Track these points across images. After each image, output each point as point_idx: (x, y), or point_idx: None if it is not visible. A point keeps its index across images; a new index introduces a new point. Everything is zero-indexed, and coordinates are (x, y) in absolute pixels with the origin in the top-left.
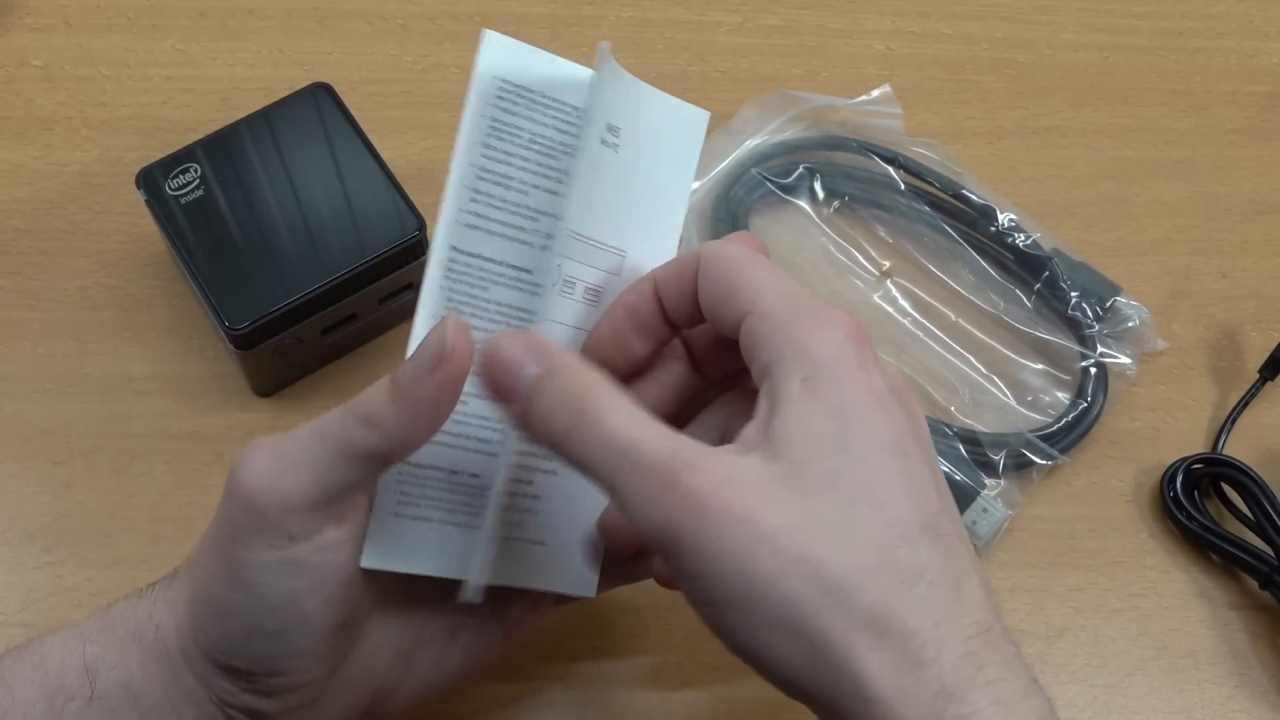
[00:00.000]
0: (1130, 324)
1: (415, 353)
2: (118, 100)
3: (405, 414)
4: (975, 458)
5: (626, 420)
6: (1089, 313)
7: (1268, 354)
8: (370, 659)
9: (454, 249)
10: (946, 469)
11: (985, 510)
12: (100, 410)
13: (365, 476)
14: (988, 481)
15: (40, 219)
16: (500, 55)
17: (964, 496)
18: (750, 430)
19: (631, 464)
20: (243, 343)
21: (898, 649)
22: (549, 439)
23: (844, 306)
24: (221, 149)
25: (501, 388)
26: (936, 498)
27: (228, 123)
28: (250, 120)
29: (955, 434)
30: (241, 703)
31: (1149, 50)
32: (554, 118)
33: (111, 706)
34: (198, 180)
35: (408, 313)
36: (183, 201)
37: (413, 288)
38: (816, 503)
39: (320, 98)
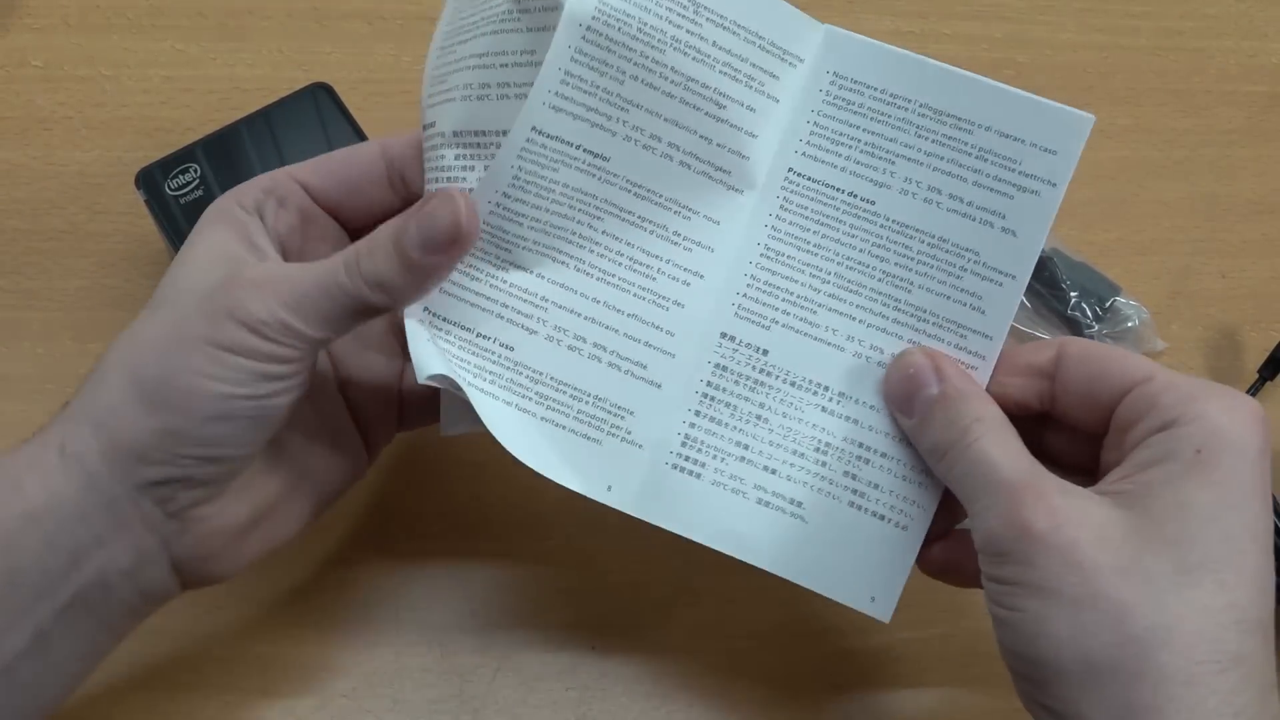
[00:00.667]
0: (1130, 324)
1: (427, 224)
2: (117, 100)
3: (415, 283)
4: None
5: (997, 448)
6: (1088, 312)
7: (1267, 354)
8: (267, 464)
9: (534, 130)
10: None
11: None
12: None
13: (360, 323)
14: None
15: (40, 219)
16: None
17: None
18: (1113, 477)
19: (988, 481)
20: None
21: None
22: (931, 452)
23: None
24: (221, 149)
25: (902, 399)
26: (1274, 603)
27: (227, 123)
28: (250, 120)
29: None
30: (162, 493)
31: (1149, 50)
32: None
33: (11, 541)
34: (197, 180)
35: None
36: (182, 201)
37: None
38: (1156, 559)
39: (320, 98)
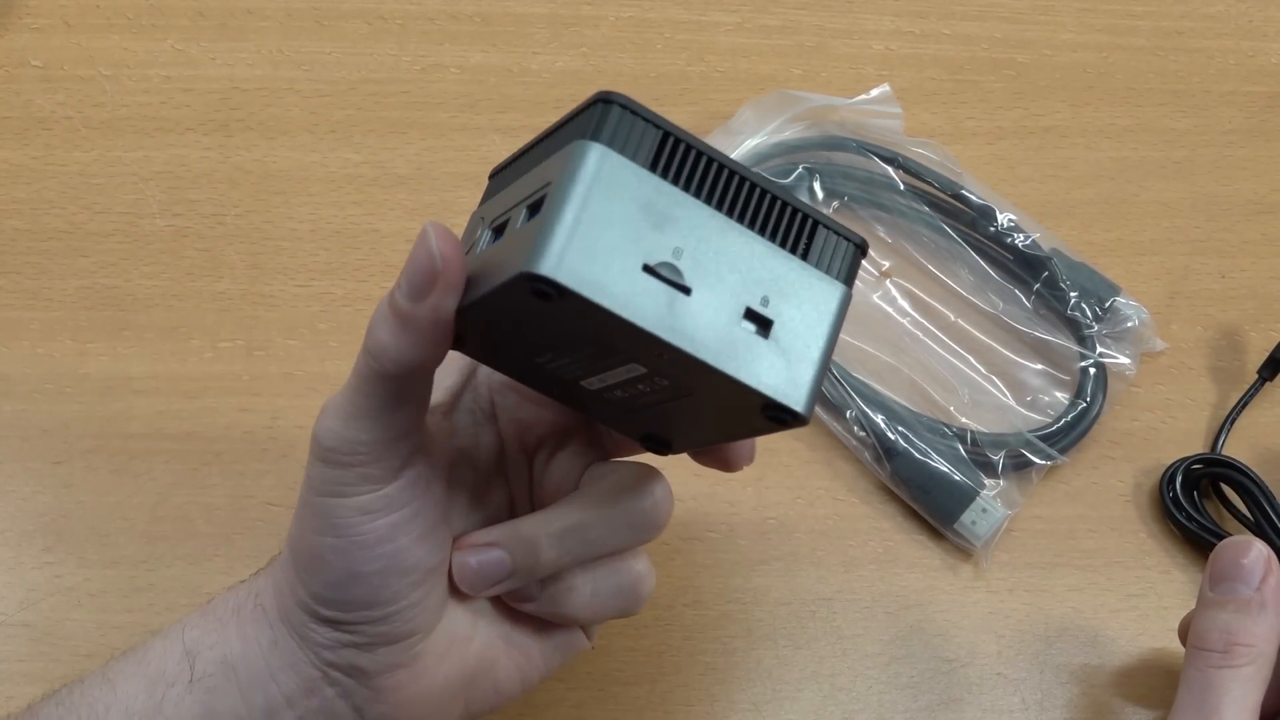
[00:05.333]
0: (1129, 324)
1: (405, 273)
2: (117, 100)
3: (414, 343)
4: (974, 458)
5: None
6: (1088, 313)
7: (1267, 354)
8: (469, 624)
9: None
10: (945, 469)
11: (984, 510)
12: (99, 410)
13: (414, 399)
14: (987, 481)
15: (39, 219)
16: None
17: (963, 496)
18: None
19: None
20: None
21: None
22: (1219, 634)
23: None
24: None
25: (1225, 580)
26: None
27: (224, 123)
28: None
29: (954, 434)
30: (341, 658)
31: (1148, 50)
32: None
33: (211, 686)
34: None
35: None
36: None
37: None
38: None
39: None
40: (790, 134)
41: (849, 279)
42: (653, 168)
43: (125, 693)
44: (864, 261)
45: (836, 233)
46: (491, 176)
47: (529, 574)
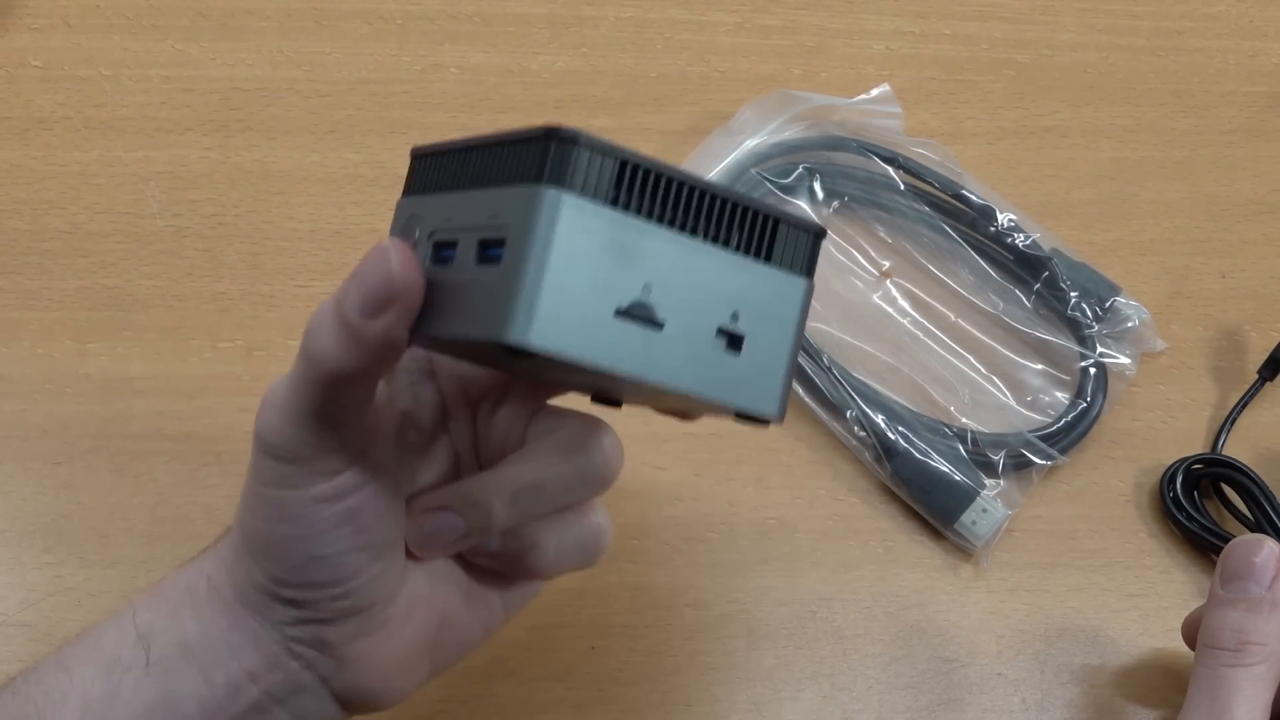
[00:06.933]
0: (1130, 324)
1: (358, 285)
2: (117, 100)
3: (360, 357)
4: (975, 458)
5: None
6: (1088, 313)
7: (1267, 354)
8: (429, 585)
9: None
10: (945, 469)
11: (985, 510)
12: (99, 410)
13: (362, 399)
14: (987, 481)
15: (39, 219)
16: None
17: (963, 497)
18: None
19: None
20: None
21: None
22: (1231, 632)
23: (844, 306)
24: None
25: (1236, 578)
26: None
27: (224, 123)
28: None
29: (955, 434)
30: (305, 633)
31: (1148, 50)
32: None
33: (170, 668)
34: None
35: None
36: None
37: None
38: None
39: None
40: (790, 134)
41: (810, 269)
42: (613, 202)
43: (81, 679)
44: (864, 260)
45: (795, 226)
46: (417, 157)
47: (482, 534)
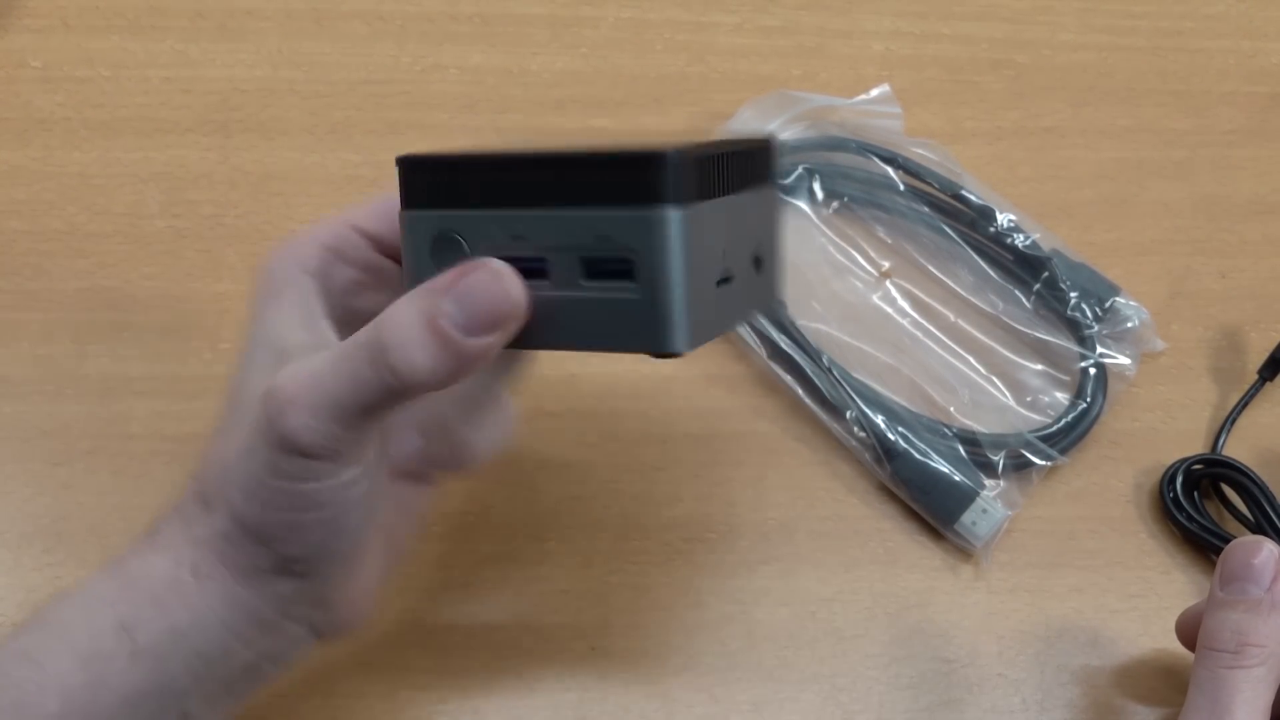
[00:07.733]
0: (1129, 324)
1: (463, 303)
2: (116, 101)
3: (453, 372)
4: (975, 458)
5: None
6: (1088, 313)
7: (1267, 354)
8: (388, 512)
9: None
10: (945, 470)
11: (985, 511)
12: (99, 411)
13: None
14: (987, 482)
15: (39, 220)
16: None
17: (963, 497)
18: None
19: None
20: None
21: None
22: (1229, 633)
23: (843, 307)
24: None
25: (1235, 580)
26: None
27: (224, 124)
28: None
29: (955, 434)
30: (307, 596)
31: (1148, 50)
32: None
33: (160, 654)
34: None
35: None
36: None
37: None
38: None
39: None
40: (790, 134)
41: (773, 179)
42: (703, 197)
43: (56, 671)
44: (864, 261)
45: (762, 148)
46: (415, 169)
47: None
